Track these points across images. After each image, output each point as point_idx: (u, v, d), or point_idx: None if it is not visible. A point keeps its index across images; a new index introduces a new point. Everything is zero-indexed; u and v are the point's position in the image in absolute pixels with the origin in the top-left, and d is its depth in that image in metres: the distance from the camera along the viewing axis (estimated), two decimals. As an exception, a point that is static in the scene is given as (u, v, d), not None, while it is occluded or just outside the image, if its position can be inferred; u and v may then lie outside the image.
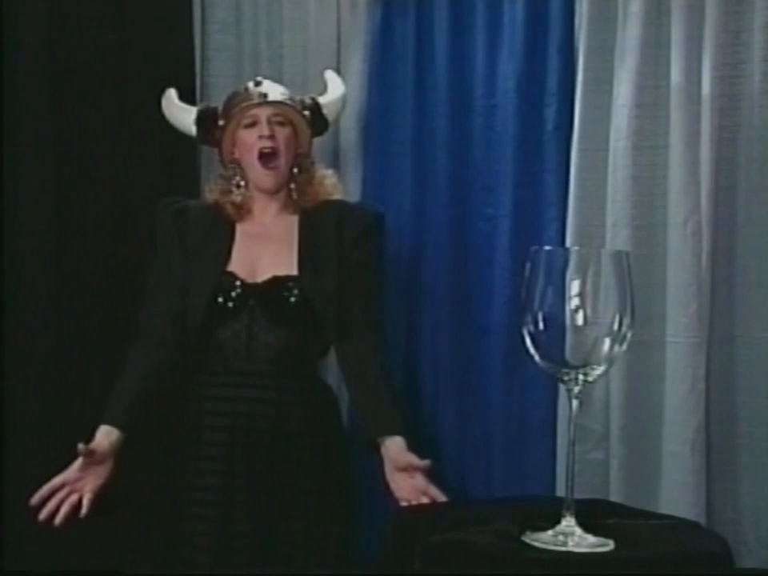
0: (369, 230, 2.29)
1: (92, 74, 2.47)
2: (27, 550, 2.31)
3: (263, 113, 2.27)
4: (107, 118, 2.48)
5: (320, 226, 2.29)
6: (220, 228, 2.30)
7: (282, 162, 2.27)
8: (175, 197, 2.36)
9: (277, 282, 2.23)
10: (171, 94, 2.44)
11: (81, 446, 2.05)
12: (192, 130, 2.38)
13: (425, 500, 2.04)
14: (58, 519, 2.03)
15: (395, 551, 1.69)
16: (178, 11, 2.62)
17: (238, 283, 2.22)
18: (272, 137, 2.25)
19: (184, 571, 2.18)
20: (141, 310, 2.27)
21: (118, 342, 2.45)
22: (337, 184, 2.38)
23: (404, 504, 2.06)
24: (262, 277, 2.23)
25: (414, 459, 2.09)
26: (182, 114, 2.42)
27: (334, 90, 2.47)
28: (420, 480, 2.07)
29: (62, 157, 2.42)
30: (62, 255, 2.41)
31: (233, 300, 2.21)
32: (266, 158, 2.25)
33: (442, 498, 2.04)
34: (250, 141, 2.27)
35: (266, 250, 2.27)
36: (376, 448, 2.15)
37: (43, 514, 2.03)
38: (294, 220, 2.31)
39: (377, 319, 2.28)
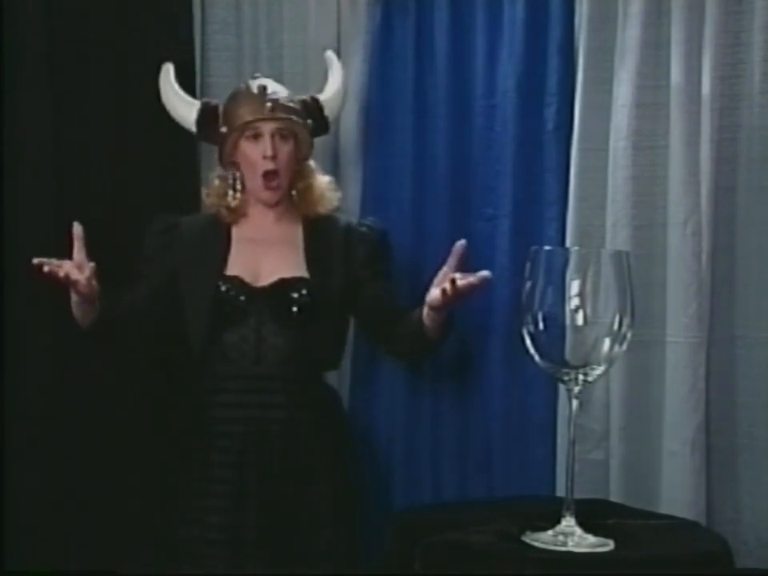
0: (379, 247, 2.34)
1: (92, 73, 2.47)
2: (27, 550, 2.31)
3: (267, 127, 2.26)
4: (107, 118, 2.48)
5: (327, 236, 2.31)
6: (216, 234, 2.31)
7: (283, 179, 2.29)
8: (169, 213, 2.37)
9: (284, 284, 2.23)
10: (168, 70, 2.41)
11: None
12: (190, 125, 2.36)
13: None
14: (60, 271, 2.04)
15: (395, 551, 1.70)
16: (178, 11, 2.62)
17: (243, 287, 2.22)
18: (275, 157, 2.25)
19: (188, 572, 2.18)
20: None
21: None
22: (336, 191, 2.39)
23: (440, 292, 2.07)
24: (268, 280, 2.23)
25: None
26: (181, 106, 2.39)
27: (333, 80, 2.45)
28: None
29: (61, 157, 2.42)
30: (61, 256, 2.41)
31: (240, 304, 2.21)
32: (268, 176, 2.26)
33: (476, 277, 2.04)
34: (252, 156, 2.26)
35: (268, 253, 2.27)
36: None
37: (46, 268, 2.03)
38: (296, 225, 2.32)
39: None
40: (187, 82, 2.47)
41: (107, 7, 2.49)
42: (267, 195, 2.29)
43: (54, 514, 2.34)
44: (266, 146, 2.24)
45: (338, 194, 2.40)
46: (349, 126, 2.65)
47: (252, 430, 2.19)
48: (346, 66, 2.63)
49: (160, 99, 2.42)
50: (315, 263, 2.26)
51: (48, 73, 2.39)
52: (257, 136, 2.26)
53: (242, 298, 2.22)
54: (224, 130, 2.29)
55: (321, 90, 2.46)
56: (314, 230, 2.31)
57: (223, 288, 2.22)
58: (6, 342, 2.34)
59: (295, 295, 2.22)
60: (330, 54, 2.52)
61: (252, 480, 2.18)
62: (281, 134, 2.26)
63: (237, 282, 2.23)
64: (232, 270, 2.25)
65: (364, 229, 2.35)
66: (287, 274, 2.24)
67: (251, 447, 2.19)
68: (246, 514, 2.17)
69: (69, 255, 2.11)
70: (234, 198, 2.31)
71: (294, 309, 2.22)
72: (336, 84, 2.46)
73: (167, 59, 2.47)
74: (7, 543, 2.30)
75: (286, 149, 2.27)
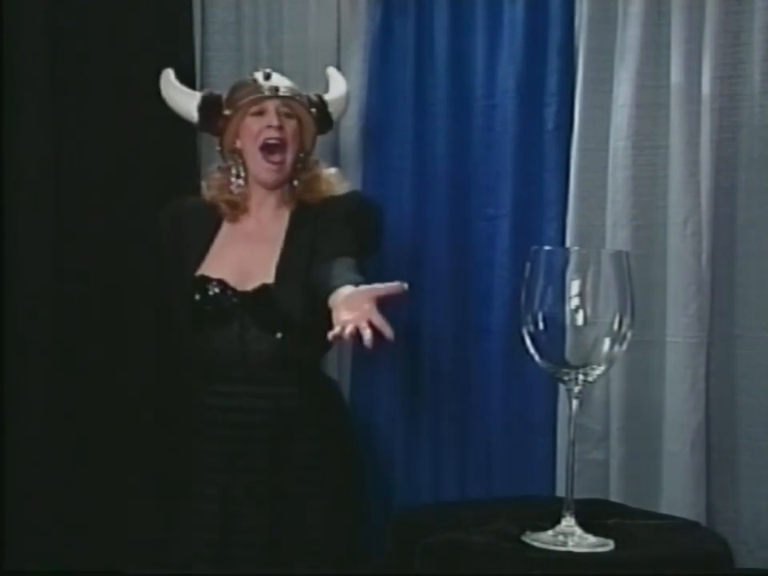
0: (349, 215, 2.19)
1: (91, 74, 2.47)
2: (27, 550, 2.31)
3: (272, 104, 2.24)
4: (107, 118, 2.48)
5: (307, 221, 2.23)
6: (208, 228, 2.27)
7: (288, 156, 2.24)
8: (176, 199, 2.34)
9: (267, 291, 2.17)
10: (169, 74, 2.40)
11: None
12: (192, 115, 2.32)
13: (364, 325, 1.73)
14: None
15: (395, 551, 1.70)
16: (177, 11, 2.62)
17: (228, 291, 2.18)
18: (280, 127, 2.22)
19: (184, 571, 2.18)
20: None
21: (117, 343, 2.46)
22: (344, 181, 2.33)
23: (338, 331, 1.76)
24: (253, 283, 2.18)
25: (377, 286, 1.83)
26: (181, 98, 2.36)
27: (336, 87, 2.45)
28: (368, 305, 1.77)
29: (60, 158, 2.41)
30: (61, 257, 2.41)
31: (223, 308, 2.17)
32: (270, 148, 2.22)
33: (387, 329, 1.73)
34: (256, 128, 2.23)
35: (257, 252, 2.21)
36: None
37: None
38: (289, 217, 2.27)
39: None
40: (187, 83, 2.47)
41: (107, 7, 2.49)
42: (268, 173, 2.23)
43: (54, 514, 2.34)
44: (270, 117, 2.22)
45: (346, 184, 2.34)
46: (349, 126, 2.65)
47: (239, 434, 2.16)
48: (346, 65, 2.64)
49: (160, 100, 2.42)
50: (285, 268, 2.18)
51: (48, 72, 2.39)
52: (261, 112, 2.24)
53: (226, 302, 2.18)
54: (227, 112, 2.26)
55: (323, 89, 2.45)
56: (298, 222, 2.24)
57: (210, 292, 2.18)
58: (5, 343, 2.34)
59: (273, 303, 2.17)
60: (332, 70, 2.51)
61: (241, 483, 2.16)
62: (285, 113, 2.24)
63: (221, 286, 2.18)
64: (218, 271, 2.20)
65: (344, 200, 2.25)
66: (270, 279, 2.18)
67: (239, 451, 2.16)
68: (235, 516, 2.15)
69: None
70: (237, 185, 2.27)
71: (275, 317, 2.17)
72: (340, 90, 2.45)
73: (167, 59, 2.47)
74: (7, 543, 2.30)
75: (290, 125, 2.24)
